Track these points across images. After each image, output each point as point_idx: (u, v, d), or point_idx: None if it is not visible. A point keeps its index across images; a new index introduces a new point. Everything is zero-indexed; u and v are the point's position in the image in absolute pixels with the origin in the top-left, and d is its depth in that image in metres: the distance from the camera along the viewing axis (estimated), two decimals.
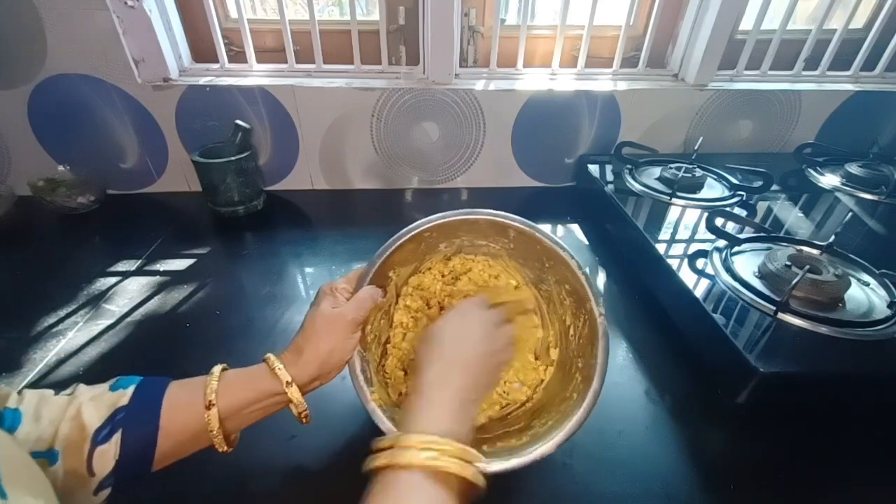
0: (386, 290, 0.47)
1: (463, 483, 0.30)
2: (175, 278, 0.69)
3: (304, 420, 0.39)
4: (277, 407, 0.38)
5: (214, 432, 0.34)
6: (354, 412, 0.47)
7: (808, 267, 0.54)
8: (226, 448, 0.36)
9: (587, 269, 0.44)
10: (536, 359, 0.49)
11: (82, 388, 0.34)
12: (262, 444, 0.45)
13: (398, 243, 0.47)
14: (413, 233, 0.47)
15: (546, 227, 0.82)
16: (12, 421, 0.29)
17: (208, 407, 0.34)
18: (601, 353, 0.41)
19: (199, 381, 0.36)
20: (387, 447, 0.31)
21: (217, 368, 0.37)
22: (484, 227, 0.50)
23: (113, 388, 0.34)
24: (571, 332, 0.47)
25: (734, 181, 0.83)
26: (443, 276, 0.53)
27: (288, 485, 0.43)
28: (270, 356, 0.38)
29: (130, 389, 0.34)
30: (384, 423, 0.38)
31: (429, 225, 0.48)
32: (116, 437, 0.31)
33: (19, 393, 0.31)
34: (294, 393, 0.37)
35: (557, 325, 0.49)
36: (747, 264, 0.60)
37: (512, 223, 0.47)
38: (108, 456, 0.31)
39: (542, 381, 0.48)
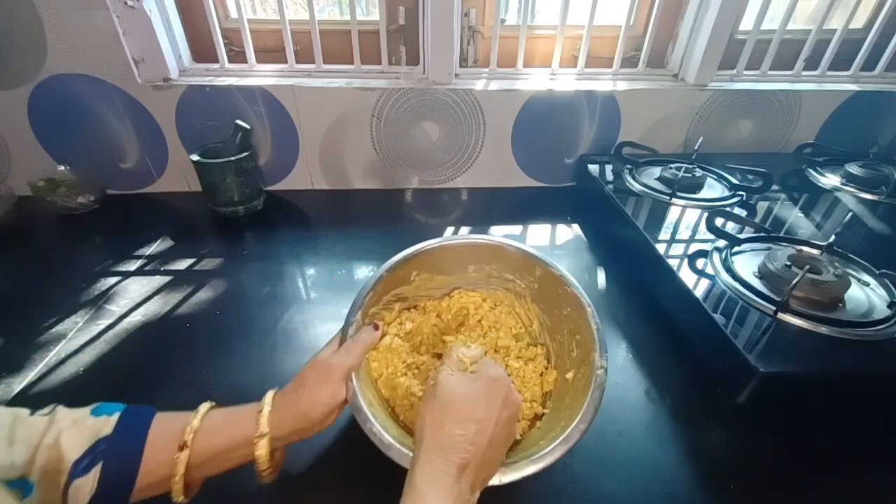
0: (384, 323, 0.48)
1: None
2: (175, 278, 0.69)
3: (264, 478, 0.36)
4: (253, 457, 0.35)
5: (176, 479, 0.32)
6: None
7: (808, 267, 0.54)
8: (182, 498, 0.33)
9: (599, 321, 0.44)
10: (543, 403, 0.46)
11: (62, 410, 0.32)
12: None
13: (427, 247, 0.50)
14: (445, 243, 0.50)
15: (546, 228, 0.85)
16: None
17: (181, 448, 0.32)
18: (589, 402, 0.39)
19: (183, 417, 0.34)
20: None
21: (204, 407, 0.36)
22: (513, 260, 0.52)
23: (95, 414, 0.32)
24: (570, 377, 0.45)
25: (734, 181, 0.83)
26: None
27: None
28: (269, 394, 0.37)
29: (115, 417, 0.32)
30: (361, 410, 0.37)
31: (463, 241, 0.51)
32: (95, 471, 0.30)
33: None
34: (261, 447, 0.34)
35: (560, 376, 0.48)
36: (747, 264, 0.60)
37: (540, 260, 0.50)
38: (84, 490, 0.29)
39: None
